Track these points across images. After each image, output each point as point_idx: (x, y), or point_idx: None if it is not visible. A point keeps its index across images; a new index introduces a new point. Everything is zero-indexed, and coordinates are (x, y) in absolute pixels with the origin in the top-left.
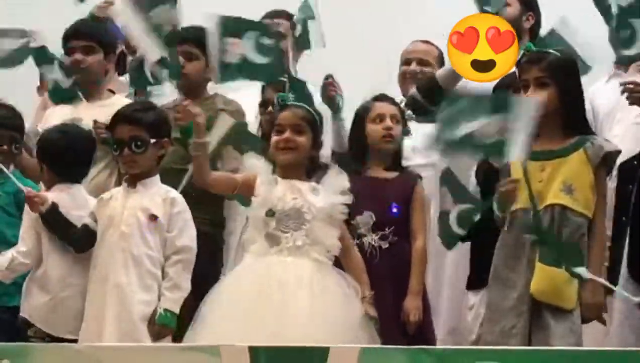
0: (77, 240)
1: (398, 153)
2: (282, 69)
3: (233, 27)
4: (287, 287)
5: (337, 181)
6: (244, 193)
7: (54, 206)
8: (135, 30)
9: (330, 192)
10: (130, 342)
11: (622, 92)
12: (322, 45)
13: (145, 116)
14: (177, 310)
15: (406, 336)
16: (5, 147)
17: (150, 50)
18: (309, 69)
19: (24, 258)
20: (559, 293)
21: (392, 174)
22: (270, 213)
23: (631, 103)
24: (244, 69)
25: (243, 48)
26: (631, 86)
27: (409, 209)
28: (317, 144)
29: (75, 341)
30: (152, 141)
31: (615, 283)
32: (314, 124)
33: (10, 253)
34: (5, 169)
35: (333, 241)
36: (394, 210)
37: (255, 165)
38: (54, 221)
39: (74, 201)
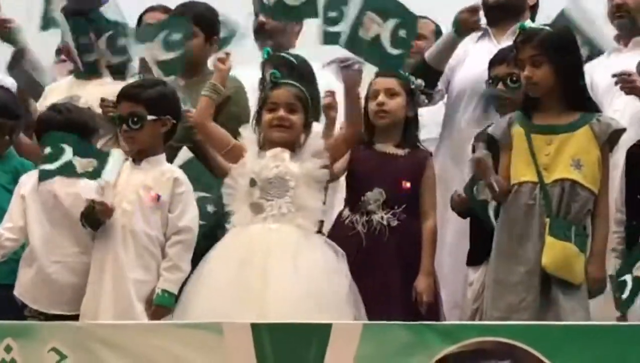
0: (88, 219)
1: (408, 129)
2: None
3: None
4: (270, 254)
5: (312, 145)
6: (229, 158)
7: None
8: None
9: (307, 156)
10: (126, 319)
11: (616, 83)
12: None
13: (144, 92)
14: (175, 291)
15: (414, 314)
16: (6, 137)
17: None
18: (309, 44)
19: (11, 233)
20: (570, 267)
21: (402, 151)
22: (253, 183)
23: (627, 93)
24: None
25: None
26: (624, 76)
27: (419, 186)
28: (307, 123)
29: (63, 317)
30: (151, 117)
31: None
32: (306, 104)
33: None
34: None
35: (318, 205)
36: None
37: (247, 138)
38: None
39: (69, 180)
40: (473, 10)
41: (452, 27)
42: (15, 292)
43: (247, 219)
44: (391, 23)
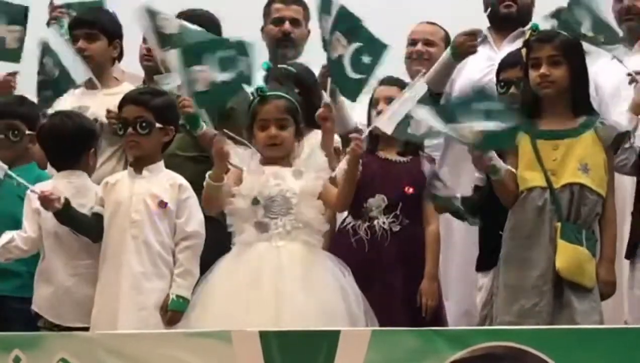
0: (92, 230)
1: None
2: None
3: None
4: (280, 274)
5: (318, 160)
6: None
7: (67, 202)
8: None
9: (312, 173)
10: (147, 329)
11: (630, 82)
12: None
13: (153, 99)
14: (189, 296)
15: (418, 319)
16: (1, 136)
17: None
18: (314, 49)
19: (22, 243)
20: (582, 270)
21: (405, 157)
22: (256, 202)
23: None
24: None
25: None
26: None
27: (421, 191)
28: (299, 132)
29: (82, 329)
30: (158, 125)
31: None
32: (295, 114)
33: (11, 234)
34: (13, 174)
35: (320, 219)
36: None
37: (238, 162)
38: (69, 217)
39: (75, 189)
40: (471, 34)
41: (450, 51)
42: (34, 307)
43: (253, 238)
44: (354, 46)
